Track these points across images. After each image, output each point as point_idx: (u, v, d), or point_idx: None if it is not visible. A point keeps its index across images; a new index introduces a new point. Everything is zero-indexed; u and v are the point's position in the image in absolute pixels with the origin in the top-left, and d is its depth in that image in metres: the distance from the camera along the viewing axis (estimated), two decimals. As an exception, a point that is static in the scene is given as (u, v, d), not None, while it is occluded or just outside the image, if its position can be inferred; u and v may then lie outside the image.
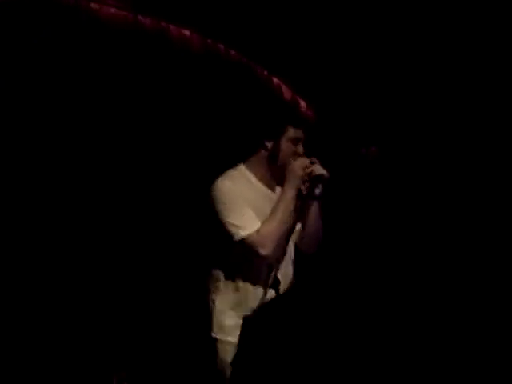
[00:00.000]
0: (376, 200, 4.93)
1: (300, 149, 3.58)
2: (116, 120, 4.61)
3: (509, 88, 4.65)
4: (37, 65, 4.40)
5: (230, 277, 3.55)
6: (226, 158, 3.75)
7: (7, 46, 4.30)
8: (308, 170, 3.49)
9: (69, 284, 4.44)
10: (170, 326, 4.61)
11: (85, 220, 4.54)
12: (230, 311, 3.48)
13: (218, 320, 3.51)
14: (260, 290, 3.44)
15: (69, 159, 4.53)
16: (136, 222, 4.68)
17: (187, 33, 4.88)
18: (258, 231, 3.41)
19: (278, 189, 3.57)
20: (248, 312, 3.32)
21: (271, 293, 3.19)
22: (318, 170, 3.51)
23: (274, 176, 3.60)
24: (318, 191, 3.57)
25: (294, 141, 3.56)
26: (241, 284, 3.53)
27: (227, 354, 3.40)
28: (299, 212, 3.51)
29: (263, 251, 3.40)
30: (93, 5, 4.57)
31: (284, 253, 3.24)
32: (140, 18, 4.76)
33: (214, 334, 3.51)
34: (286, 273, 3.52)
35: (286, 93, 5.29)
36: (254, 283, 3.51)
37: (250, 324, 3.10)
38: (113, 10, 4.64)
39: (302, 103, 5.37)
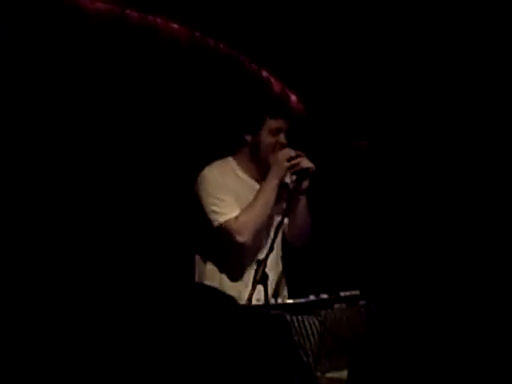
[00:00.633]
0: (366, 194, 4.91)
1: (281, 139, 3.57)
2: (103, 115, 4.57)
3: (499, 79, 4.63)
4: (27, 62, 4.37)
5: (213, 267, 3.54)
6: (214, 151, 3.75)
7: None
8: (293, 162, 3.48)
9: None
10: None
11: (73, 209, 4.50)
12: None
13: None
14: (242, 284, 3.43)
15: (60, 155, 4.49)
16: (125, 214, 4.65)
17: (175, 26, 4.84)
18: (236, 218, 3.42)
19: (265, 182, 3.56)
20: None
21: (259, 288, 3.16)
22: (305, 163, 3.49)
23: (261, 169, 3.59)
24: (304, 185, 3.56)
25: (274, 131, 3.56)
26: (224, 275, 3.52)
27: None
28: (286, 206, 3.50)
29: (240, 238, 3.42)
30: (79, -1, 4.54)
31: (270, 247, 3.21)
32: (127, 11, 4.72)
33: None
34: (274, 268, 3.50)
35: (276, 86, 5.26)
36: (235, 275, 3.50)
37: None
38: (99, 4, 4.59)
39: (292, 96, 5.34)
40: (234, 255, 3.52)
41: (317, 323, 3.14)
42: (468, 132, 4.75)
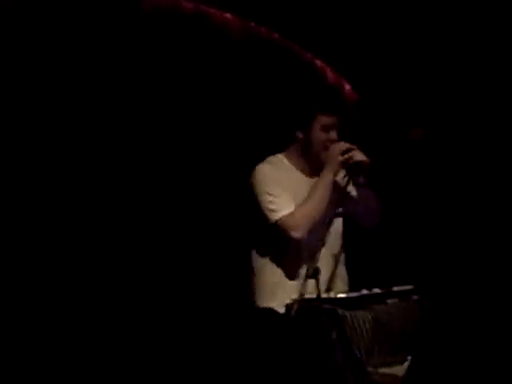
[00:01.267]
0: (422, 186, 4.85)
1: (333, 135, 3.54)
2: (154, 103, 4.59)
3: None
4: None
5: (271, 263, 3.53)
6: (265, 147, 3.74)
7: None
8: (347, 156, 3.45)
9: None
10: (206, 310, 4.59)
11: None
12: (270, 296, 3.45)
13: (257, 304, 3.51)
14: (300, 279, 3.41)
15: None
16: (178, 208, 4.66)
17: (228, 15, 4.83)
18: (291, 214, 3.41)
19: (319, 178, 3.54)
20: (287, 300, 3.27)
21: (311, 283, 3.15)
22: (358, 156, 3.45)
23: (312, 165, 3.57)
24: (361, 179, 3.52)
25: (326, 128, 3.53)
26: (278, 271, 3.51)
27: None
28: (342, 200, 3.48)
29: (295, 234, 3.41)
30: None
31: (322, 243, 3.19)
32: (181, 1, 4.72)
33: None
34: (326, 263, 3.48)
35: (330, 76, 5.21)
36: (292, 271, 3.49)
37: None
38: (153, -6, 4.61)
39: (347, 86, 5.28)
40: (290, 251, 3.51)
41: (370, 318, 3.12)
42: None
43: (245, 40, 4.86)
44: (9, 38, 4.22)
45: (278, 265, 3.54)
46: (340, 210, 3.62)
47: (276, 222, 3.45)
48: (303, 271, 3.29)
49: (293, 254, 3.50)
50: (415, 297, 3.22)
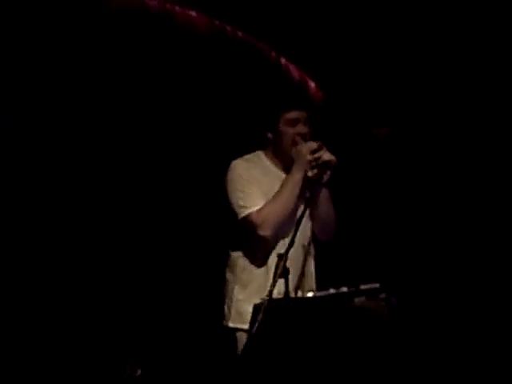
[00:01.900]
0: (387, 181, 4.88)
1: (301, 128, 3.57)
2: (122, 107, 4.57)
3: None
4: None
5: (243, 258, 3.54)
6: (247, 144, 3.76)
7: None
8: (316, 155, 3.46)
9: (79, 275, 4.43)
10: (184, 313, 4.60)
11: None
12: (248, 299, 3.45)
13: (236, 308, 3.51)
14: (269, 276, 3.41)
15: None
16: (154, 210, 4.67)
17: (193, 14, 4.82)
18: (258, 211, 3.41)
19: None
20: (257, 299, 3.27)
21: (280, 282, 3.15)
22: (326, 156, 3.47)
23: (286, 161, 3.60)
24: (325, 178, 3.53)
25: (292, 123, 3.56)
26: (255, 271, 3.52)
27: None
28: (308, 199, 3.48)
29: (262, 232, 3.42)
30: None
31: (292, 241, 3.19)
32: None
33: (232, 324, 3.50)
34: (295, 262, 3.48)
35: (295, 73, 5.22)
36: (266, 271, 3.49)
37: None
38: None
39: (312, 84, 5.30)
40: (257, 248, 3.51)
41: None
42: (489, 119, 4.72)
43: (210, 38, 4.85)
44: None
45: (250, 261, 3.54)
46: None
47: (244, 218, 3.46)
48: (272, 271, 3.29)
49: (260, 250, 3.51)
50: (382, 295, 3.23)
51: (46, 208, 4.37)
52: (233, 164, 3.58)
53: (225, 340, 3.54)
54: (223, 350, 3.57)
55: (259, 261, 3.54)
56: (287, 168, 3.58)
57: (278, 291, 3.14)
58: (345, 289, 3.23)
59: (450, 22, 4.71)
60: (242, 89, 4.82)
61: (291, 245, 3.15)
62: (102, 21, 4.50)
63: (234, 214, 3.50)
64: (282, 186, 3.49)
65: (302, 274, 3.58)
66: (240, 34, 4.97)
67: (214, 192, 3.78)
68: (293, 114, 3.57)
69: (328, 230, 3.69)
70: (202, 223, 4.68)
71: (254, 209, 3.45)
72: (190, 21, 4.82)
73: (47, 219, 4.37)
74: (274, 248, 3.47)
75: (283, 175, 3.61)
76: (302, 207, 3.43)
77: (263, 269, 3.53)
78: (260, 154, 3.68)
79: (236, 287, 3.55)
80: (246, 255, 3.56)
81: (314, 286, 3.62)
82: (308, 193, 3.51)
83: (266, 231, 3.44)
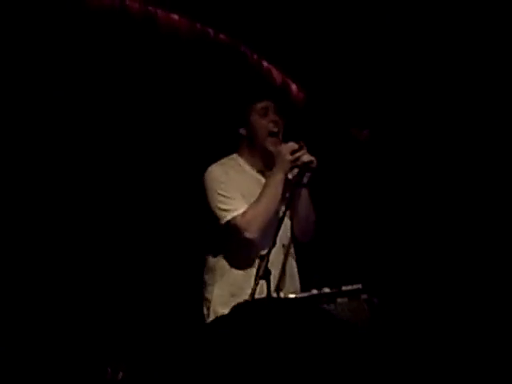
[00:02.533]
0: (368, 185, 4.90)
1: (272, 116, 3.57)
2: (102, 109, 4.57)
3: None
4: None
5: (224, 262, 3.54)
6: (221, 148, 3.76)
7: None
8: (297, 155, 3.46)
9: (64, 279, 4.42)
10: (165, 315, 4.59)
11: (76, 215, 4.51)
12: (227, 301, 3.45)
13: (215, 310, 3.51)
14: (251, 279, 3.41)
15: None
16: (130, 215, 4.66)
17: (175, 17, 4.82)
18: (243, 214, 3.41)
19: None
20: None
21: (262, 283, 3.16)
22: (306, 157, 3.48)
23: (264, 159, 3.60)
24: (305, 179, 3.54)
25: (263, 112, 3.57)
26: (235, 273, 3.52)
27: None
28: (288, 200, 3.48)
29: (248, 234, 3.41)
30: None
31: (273, 242, 3.20)
32: (127, 2, 4.71)
33: None
34: (277, 263, 3.48)
35: (277, 76, 5.24)
36: (246, 273, 3.49)
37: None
38: (99, -5, 4.59)
39: (293, 86, 5.32)
40: (243, 251, 3.50)
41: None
42: (468, 120, 4.75)
43: (192, 41, 4.86)
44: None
45: (232, 264, 3.54)
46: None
47: (228, 222, 3.45)
48: (253, 272, 3.30)
49: (245, 253, 3.51)
50: (364, 296, 3.24)
51: (35, 207, 4.36)
52: (209, 169, 3.56)
53: (204, 342, 3.54)
54: (203, 351, 3.56)
55: (244, 263, 3.53)
56: (267, 166, 3.59)
57: (260, 293, 3.16)
58: (327, 289, 3.24)
59: (433, 22, 4.74)
60: (216, 90, 4.82)
61: (273, 245, 3.16)
62: (81, 22, 4.48)
63: (215, 218, 3.49)
64: (264, 188, 3.49)
65: (284, 275, 3.58)
66: (222, 36, 4.98)
67: (188, 196, 3.79)
68: (262, 104, 3.60)
69: (307, 231, 3.69)
70: (177, 226, 4.66)
71: (238, 212, 3.44)
72: (171, 23, 4.82)
73: (37, 218, 4.36)
74: (259, 250, 3.46)
75: (259, 176, 3.62)
76: (282, 208, 3.45)
77: (243, 271, 3.53)
78: (235, 156, 3.67)
79: (215, 289, 3.55)
80: (229, 258, 3.55)
81: (298, 287, 3.62)
82: (288, 193, 3.51)
83: (252, 234, 3.43)
